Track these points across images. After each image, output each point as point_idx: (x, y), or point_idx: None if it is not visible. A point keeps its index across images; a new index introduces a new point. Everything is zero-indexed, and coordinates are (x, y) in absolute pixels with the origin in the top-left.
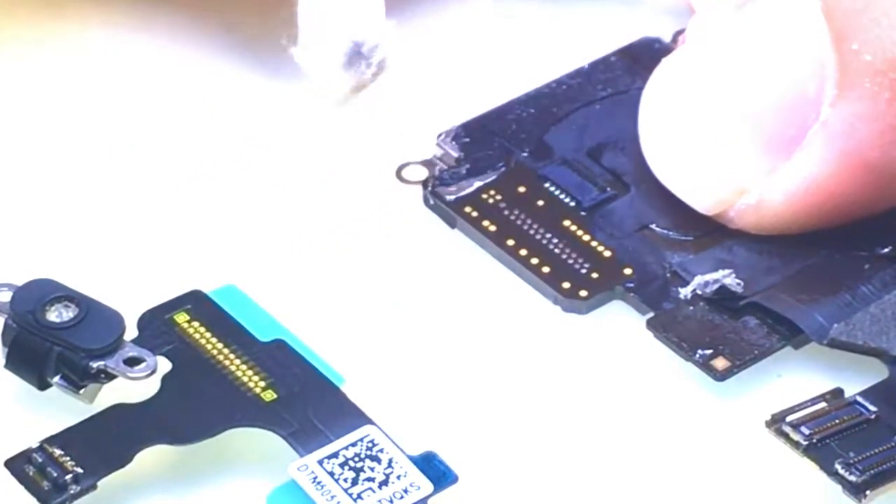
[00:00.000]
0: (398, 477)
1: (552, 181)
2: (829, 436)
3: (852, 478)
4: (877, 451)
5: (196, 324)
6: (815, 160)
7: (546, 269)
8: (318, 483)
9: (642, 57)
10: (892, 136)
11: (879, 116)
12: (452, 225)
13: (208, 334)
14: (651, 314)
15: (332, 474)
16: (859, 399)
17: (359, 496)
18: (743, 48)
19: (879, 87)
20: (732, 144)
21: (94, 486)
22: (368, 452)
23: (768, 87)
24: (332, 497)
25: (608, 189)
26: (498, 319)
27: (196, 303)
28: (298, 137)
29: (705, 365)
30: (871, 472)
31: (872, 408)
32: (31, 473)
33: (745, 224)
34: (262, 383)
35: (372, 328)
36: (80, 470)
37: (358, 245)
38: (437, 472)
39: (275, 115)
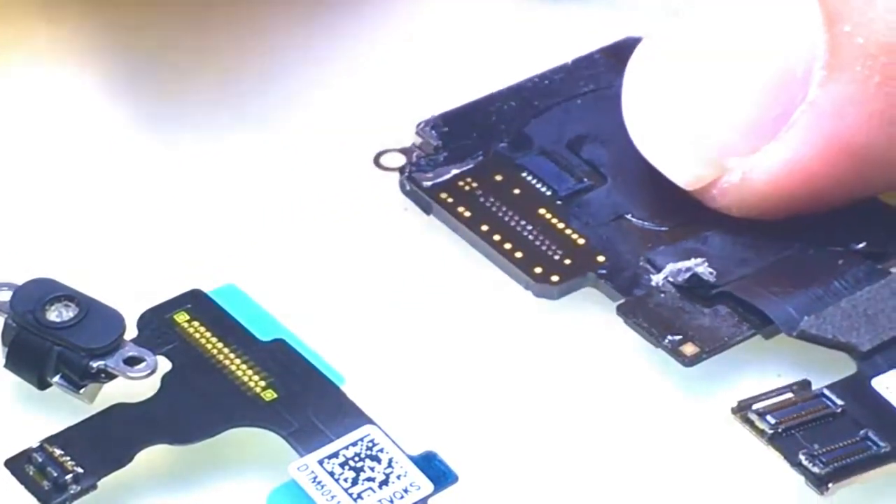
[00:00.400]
0: (398, 477)
1: (530, 171)
2: (794, 426)
3: (816, 469)
4: (841, 444)
5: (196, 323)
6: (800, 140)
7: (518, 255)
8: (319, 483)
9: (626, 56)
10: (879, 120)
11: (868, 100)
12: (428, 211)
13: (208, 334)
14: (622, 300)
15: (332, 474)
16: (826, 392)
17: (359, 496)
18: (731, 24)
19: (870, 71)
20: (717, 120)
21: (94, 486)
22: (368, 452)
23: (756, 65)
24: (333, 497)
25: (585, 179)
26: (472, 305)
27: (196, 302)
28: (287, 121)
29: (674, 350)
30: (835, 464)
31: (839, 402)
32: (31, 473)
33: (727, 203)
34: (262, 383)
35: (372, 328)
36: (80, 470)
37: (344, 235)
38: (437, 472)
39: (267, 112)
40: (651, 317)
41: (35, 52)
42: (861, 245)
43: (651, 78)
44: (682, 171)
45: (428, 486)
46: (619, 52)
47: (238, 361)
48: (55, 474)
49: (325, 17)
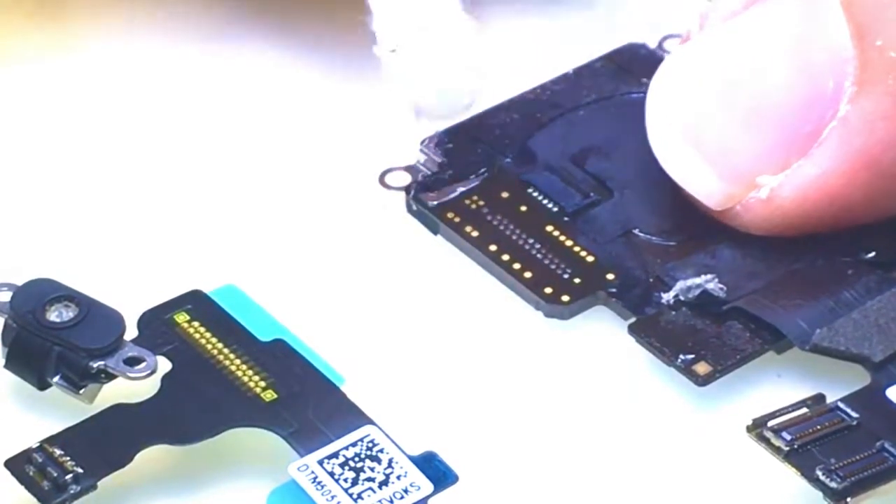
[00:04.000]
0: (398, 477)
1: (535, 186)
2: (810, 441)
3: (833, 484)
4: (858, 457)
5: (196, 324)
6: (831, 157)
7: (528, 275)
8: (319, 483)
9: (628, 63)
10: None
11: None
12: (435, 231)
13: (208, 334)
14: (633, 319)
15: (332, 474)
16: (841, 405)
17: (359, 496)
18: (758, 42)
19: None
20: (747, 139)
21: (94, 486)
22: (368, 452)
23: (785, 82)
24: (333, 497)
25: (591, 194)
26: (482, 325)
27: (196, 303)
28: (291, 139)
29: (687, 370)
30: (852, 478)
31: (854, 414)
32: (31, 473)
33: (749, 219)
34: (262, 383)
35: (372, 328)
36: (80, 470)
37: (348, 241)
38: (437, 472)
39: (268, 117)
40: (663, 336)
41: (34, 52)
42: (870, 254)
43: (677, 98)
44: (713, 191)
45: (428, 487)
46: (621, 60)
47: (238, 361)
48: (55, 474)
49: (331, 34)
